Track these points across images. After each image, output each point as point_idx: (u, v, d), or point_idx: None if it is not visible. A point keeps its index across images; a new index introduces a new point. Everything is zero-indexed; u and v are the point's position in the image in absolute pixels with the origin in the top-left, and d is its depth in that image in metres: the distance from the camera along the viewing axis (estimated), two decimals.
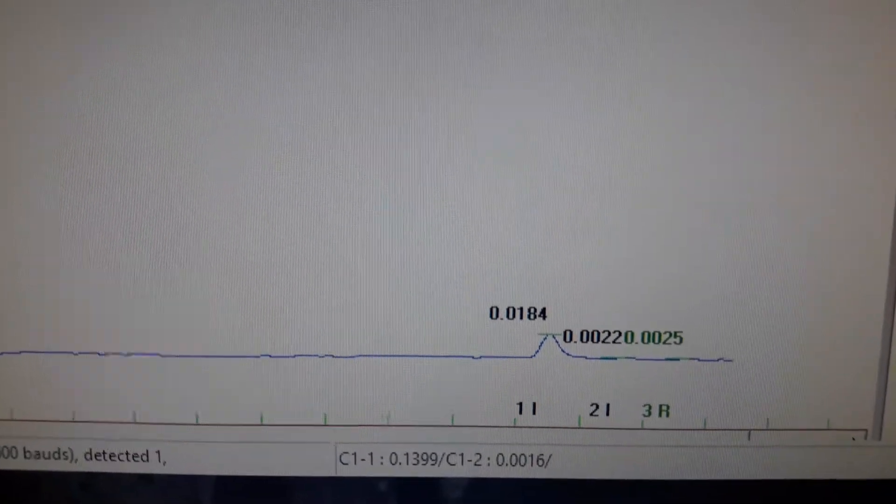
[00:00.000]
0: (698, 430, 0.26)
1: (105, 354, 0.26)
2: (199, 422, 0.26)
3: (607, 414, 0.26)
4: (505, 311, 0.26)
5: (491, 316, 0.26)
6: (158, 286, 0.25)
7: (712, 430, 0.26)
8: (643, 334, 0.26)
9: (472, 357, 0.26)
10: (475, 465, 0.27)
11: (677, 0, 0.23)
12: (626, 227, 0.25)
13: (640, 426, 0.26)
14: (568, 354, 0.26)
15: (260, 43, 0.24)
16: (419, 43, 0.24)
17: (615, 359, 0.26)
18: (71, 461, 0.27)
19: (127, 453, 0.26)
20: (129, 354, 0.26)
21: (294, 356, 0.26)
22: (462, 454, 0.27)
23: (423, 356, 0.26)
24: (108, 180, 0.25)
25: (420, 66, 0.24)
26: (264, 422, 0.26)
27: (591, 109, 0.24)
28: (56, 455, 0.27)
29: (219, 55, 0.24)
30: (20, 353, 0.26)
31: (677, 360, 0.26)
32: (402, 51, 0.24)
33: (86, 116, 0.24)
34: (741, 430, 0.26)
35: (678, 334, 0.26)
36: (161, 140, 0.24)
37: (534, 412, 0.26)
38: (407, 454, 0.27)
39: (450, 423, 0.26)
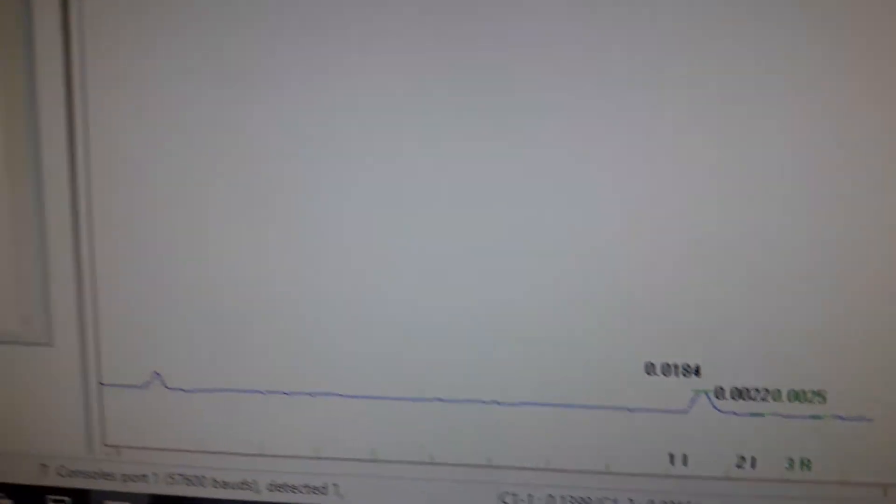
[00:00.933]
0: (837, 483, 0.28)
1: (291, 394, 0.28)
2: (377, 458, 0.28)
3: (753, 467, 0.28)
4: (660, 367, 0.27)
5: (646, 372, 0.27)
6: (344, 334, 0.28)
7: (850, 484, 0.28)
8: (789, 392, 0.27)
9: (628, 409, 0.28)
10: None
11: None
12: (779, 287, 0.26)
13: (782, 478, 0.28)
14: (719, 411, 0.27)
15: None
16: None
17: (762, 415, 0.27)
18: (255, 492, 0.29)
19: (307, 486, 0.29)
20: (313, 394, 0.28)
21: (463, 401, 0.28)
22: (615, 500, 0.28)
23: (581, 406, 0.28)
24: (301, 228, 0.28)
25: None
26: (434, 461, 0.28)
27: (749, 166, 0.26)
28: (242, 486, 0.29)
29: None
30: (213, 391, 0.28)
31: (820, 417, 0.27)
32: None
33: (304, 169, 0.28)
34: (878, 485, 0.28)
35: (822, 393, 0.27)
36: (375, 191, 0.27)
37: (685, 463, 0.28)
38: (563, 497, 0.28)
39: (604, 471, 0.28)
